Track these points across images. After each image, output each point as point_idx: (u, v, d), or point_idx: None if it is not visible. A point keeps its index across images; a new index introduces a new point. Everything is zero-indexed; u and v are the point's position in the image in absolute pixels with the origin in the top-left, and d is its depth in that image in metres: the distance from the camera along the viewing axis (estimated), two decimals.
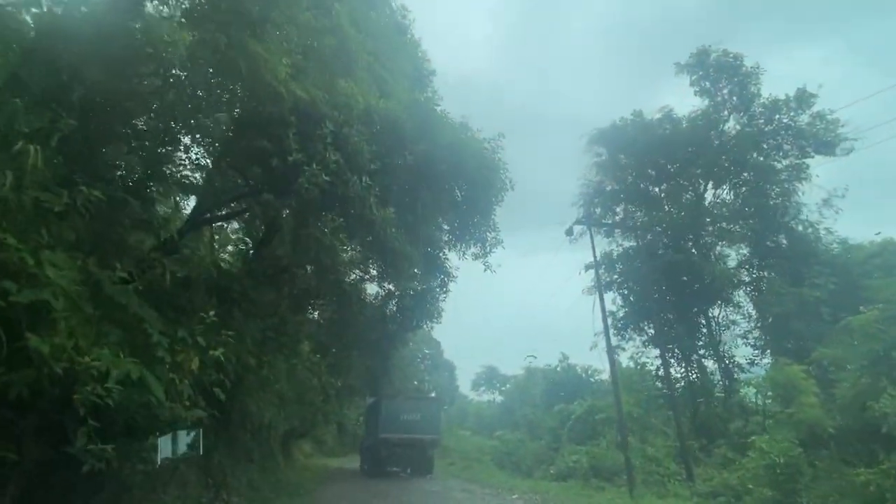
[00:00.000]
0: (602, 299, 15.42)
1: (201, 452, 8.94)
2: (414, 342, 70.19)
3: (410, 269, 9.40)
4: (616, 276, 21.90)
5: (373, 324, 20.18)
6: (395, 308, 19.57)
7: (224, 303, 7.80)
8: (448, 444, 37.38)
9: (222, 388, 8.15)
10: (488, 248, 8.22)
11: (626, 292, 21.96)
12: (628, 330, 21.88)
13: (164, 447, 7.11)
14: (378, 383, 34.70)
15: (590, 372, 42.29)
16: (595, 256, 16.24)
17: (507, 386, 68.35)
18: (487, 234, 8.07)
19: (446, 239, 9.22)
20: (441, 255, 10.82)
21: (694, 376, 20.78)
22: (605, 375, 43.33)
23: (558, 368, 43.09)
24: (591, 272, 24.17)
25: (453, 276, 12.56)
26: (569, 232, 16.88)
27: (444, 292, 14.23)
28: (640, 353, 22.02)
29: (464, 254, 8.92)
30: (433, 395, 24.44)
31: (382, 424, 18.56)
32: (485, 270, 8.63)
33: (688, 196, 23.22)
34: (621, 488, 13.99)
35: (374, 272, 16.36)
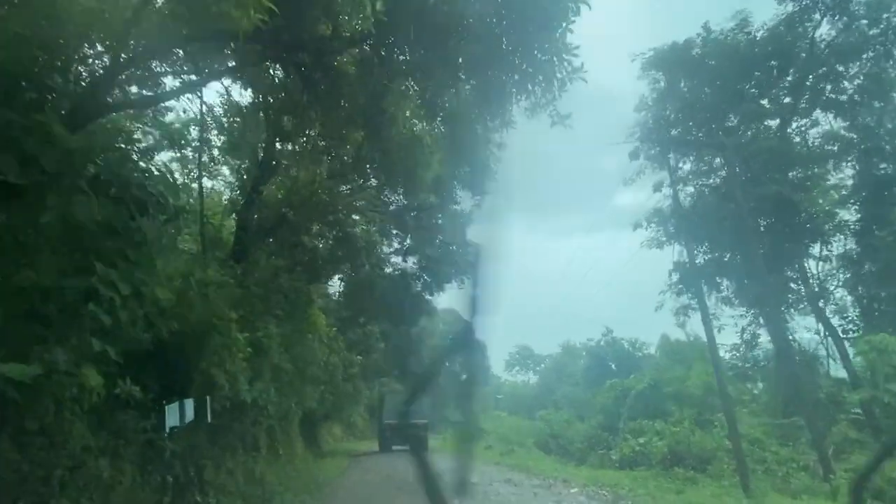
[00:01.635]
0: (688, 248, 11.68)
1: (209, 420, 8.03)
2: (444, 322, 68.17)
3: (422, 154, 6.03)
4: (683, 209, 17.85)
5: (392, 287, 17.16)
6: (416, 266, 16.47)
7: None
8: (484, 427, 34.46)
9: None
10: (557, 88, 4.70)
11: (695, 240, 18.00)
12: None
13: (171, 416, 6.92)
14: (405, 363, 32.84)
15: (637, 345, 38.66)
16: (671, 175, 12.44)
17: (542, 366, 65.35)
18: (554, 58, 4.56)
19: (476, 88, 5.54)
20: (472, 128, 7.17)
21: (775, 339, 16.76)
22: (652, 349, 39.83)
23: (602, 343, 39.56)
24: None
25: (493, 170, 8.10)
26: (633, 155, 13.19)
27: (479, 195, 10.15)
28: (713, 314, 18.06)
29: (509, 112, 5.42)
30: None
31: (385, 413, 24.49)
32: (553, 125, 5.16)
33: (771, 122, 18.94)
34: (723, 481, 10.52)
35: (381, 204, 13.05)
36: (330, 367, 20.61)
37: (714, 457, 11.61)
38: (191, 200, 15.76)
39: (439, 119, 5.86)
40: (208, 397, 8.28)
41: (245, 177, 15.83)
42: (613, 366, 38.27)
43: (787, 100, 18.67)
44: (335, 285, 23.47)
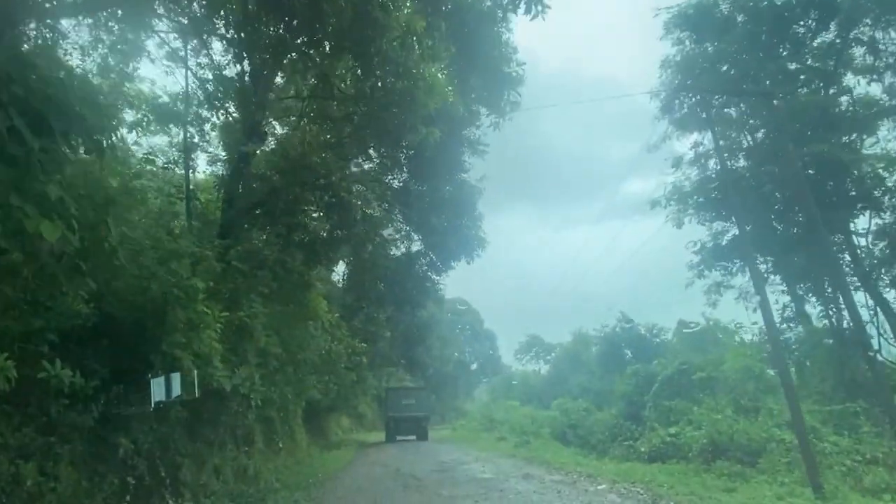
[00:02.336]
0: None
1: (196, 395, 7.02)
2: (452, 312, 67.32)
3: (421, 62, 4.61)
4: (714, 194, 16.23)
5: (396, 267, 15.87)
6: (420, 242, 15.11)
7: None
8: (496, 417, 33.28)
9: None
10: None
11: (730, 209, 16.36)
12: (733, 261, 16.36)
13: (157, 391, 6.17)
14: (412, 352, 33.16)
15: (655, 330, 36.98)
16: (711, 127, 10.83)
17: (553, 354, 64.02)
18: None
19: None
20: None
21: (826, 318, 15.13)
22: (670, 335, 38.17)
23: (617, 329, 37.92)
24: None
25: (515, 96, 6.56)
26: (667, 108, 11.56)
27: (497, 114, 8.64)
28: (748, 291, 16.45)
29: None
30: (423, 385, 33.44)
31: (390, 407, 27.60)
32: None
33: (807, 85, 17.12)
34: (780, 477, 9.07)
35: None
36: (333, 356, 19.41)
37: (764, 449, 10.15)
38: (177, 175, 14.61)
39: (443, 13, 4.45)
40: (195, 371, 7.05)
41: (231, 148, 14.64)
42: (629, 353, 36.72)
43: (828, 59, 16.78)
44: (338, 272, 22.38)
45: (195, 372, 6.64)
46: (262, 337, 9.15)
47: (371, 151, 14.58)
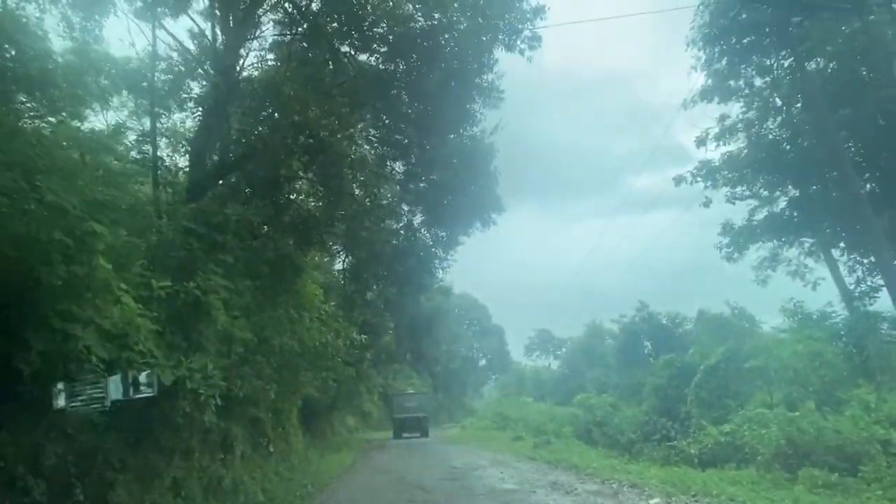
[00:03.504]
0: None
1: (155, 393, 5.48)
2: (460, 308, 65.63)
3: None
4: (762, 154, 13.93)
5: (398, 244, 13.82)
6: (425, 216, 12.98)
7: None
8: (509, 414, 31.23)
9: None
10: None
11: (774, 178, 14.08)
12: (785, 233, 14.05)
13: (115, 389, 5.02)
14: (419, 346, 33.17)
15: (678, 320, 34.78)
16: (793, 41, 8.54)
17: (564, 349, 62.22)
18: None
19: None
20: None
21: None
22: (691, 325, 36.02)
23: (637, 319, 35.78)
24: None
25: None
26: (722, 34, 9.19)
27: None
28: (802, 267, 14.15)
29: None
30: (424, 390, 37.13)
31: (396, 409, 31.71)
32: None
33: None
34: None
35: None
36: (330, 350, 17.43)
37: (864, 452, 7.95)
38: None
39: None
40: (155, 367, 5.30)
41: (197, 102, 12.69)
42: (649, 344, 34.69)
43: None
44: (338, 262, 20.58)
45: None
46: (221, 316, 7.10)
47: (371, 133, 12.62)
